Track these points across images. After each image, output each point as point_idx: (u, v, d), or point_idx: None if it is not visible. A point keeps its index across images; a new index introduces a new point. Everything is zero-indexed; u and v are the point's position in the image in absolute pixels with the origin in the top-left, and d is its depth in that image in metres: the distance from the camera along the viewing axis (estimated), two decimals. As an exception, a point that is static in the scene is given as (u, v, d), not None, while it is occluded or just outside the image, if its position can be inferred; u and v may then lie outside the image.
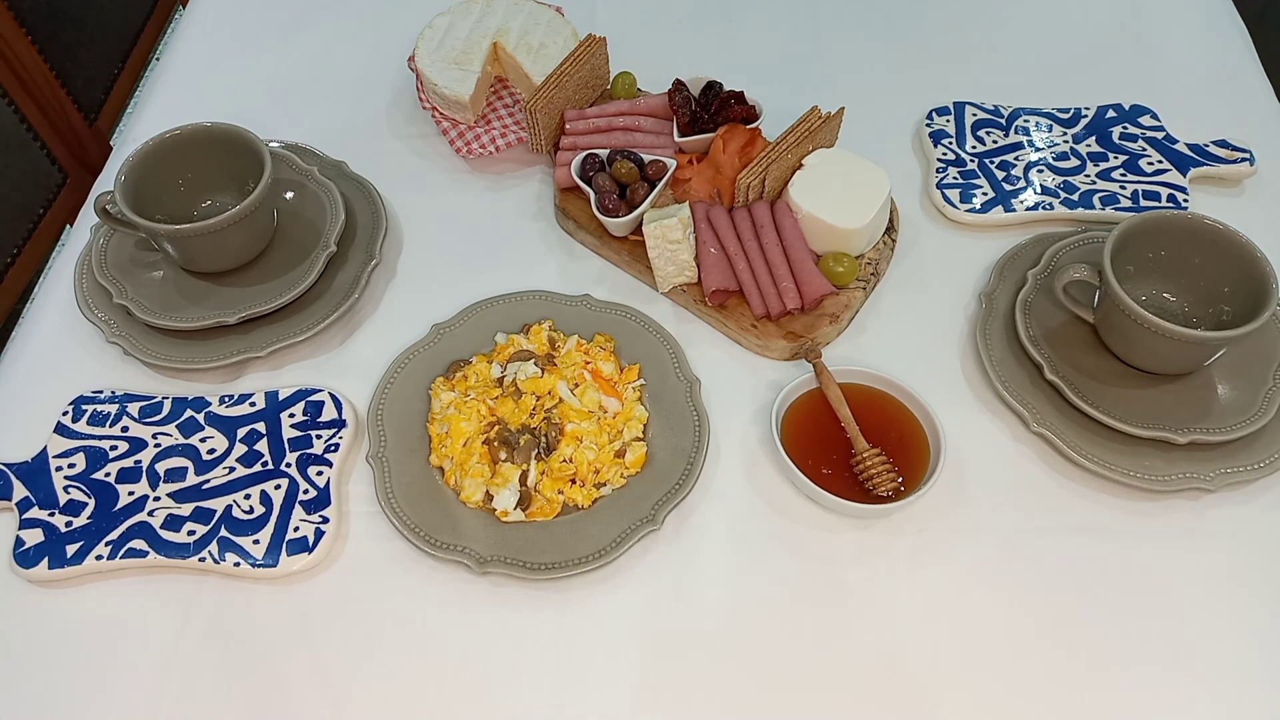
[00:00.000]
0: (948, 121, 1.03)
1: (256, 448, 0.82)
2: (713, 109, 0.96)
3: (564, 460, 0.80)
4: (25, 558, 0.77)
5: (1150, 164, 0.98)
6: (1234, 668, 0.73)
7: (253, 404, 0.85)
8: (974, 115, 1.03)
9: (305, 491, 0.80)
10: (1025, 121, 1.02)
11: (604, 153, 0.95)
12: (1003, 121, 1.02)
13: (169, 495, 0.80)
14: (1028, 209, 0.96)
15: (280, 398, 0.85)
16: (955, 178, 0.99)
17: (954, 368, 0.88)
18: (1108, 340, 0.84)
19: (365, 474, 0.82)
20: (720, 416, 0.84)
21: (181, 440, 0.83)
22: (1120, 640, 0.74)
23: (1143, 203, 0.95)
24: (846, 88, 1.07)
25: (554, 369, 0.85)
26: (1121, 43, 1.12)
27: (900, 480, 0.79)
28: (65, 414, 0.84)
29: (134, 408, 0.85)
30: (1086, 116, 1.02)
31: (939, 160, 1.00)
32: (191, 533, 0.78)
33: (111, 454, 0.82)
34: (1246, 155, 0.98)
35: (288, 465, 0.81)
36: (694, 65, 1.01)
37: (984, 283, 0.91)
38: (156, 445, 0.82)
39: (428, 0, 1.12)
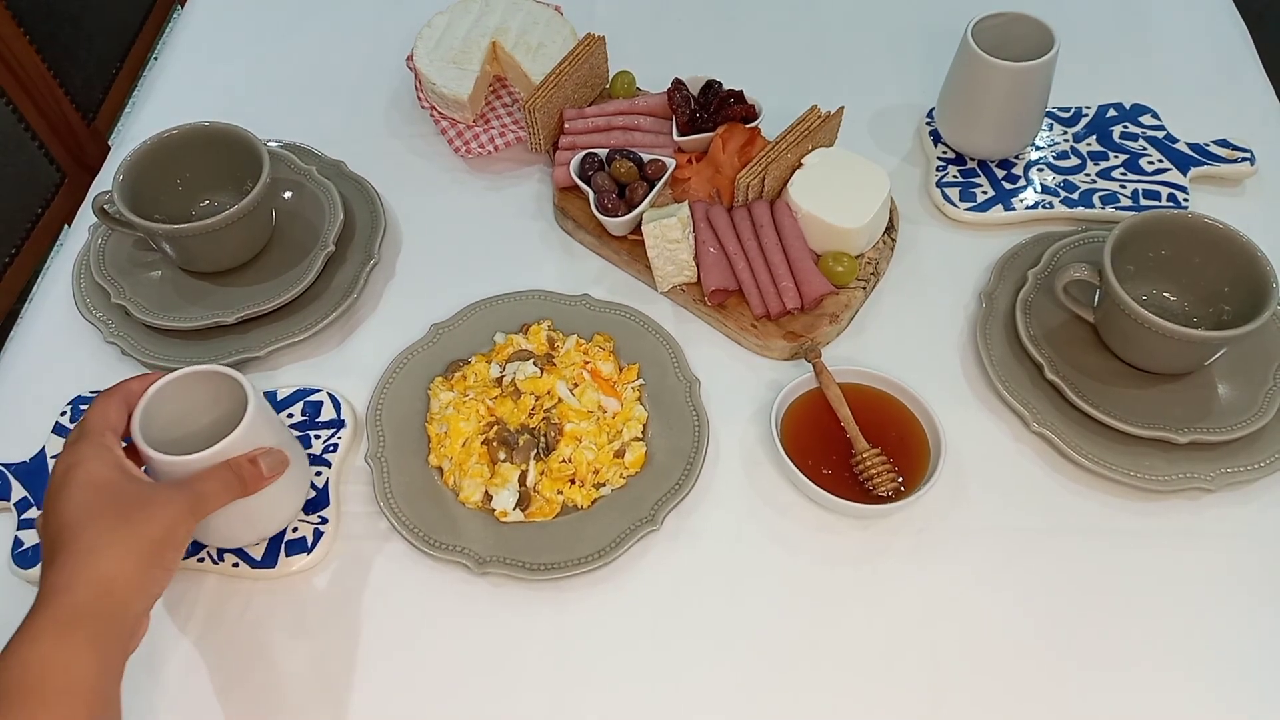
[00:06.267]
0: (947, 120, 1.03)
1: (255, 448, 0.82)
2: (712, 108, 0.96)
3: (563, 460, 0.80)
4: (24, 558, 0.77)
5: (1150, 163, 0.98)
6: (1234, 667, 0.72)
7: (251, 404, 0.84)
8: (974, 114, 1.03)
9: (304, 492, 0.80)
10: (1025, 120, 1.02)
11: (603, 152, 0.95)
12: (1002, 120, 1.02)
13: (167, 495, 0.79)
14: (1028, 208, 0.96)
15: (279, 398, 0.85)
16: (955, 176, 0.98)
17: (954, 367, 0.88)
18: (1108, 340, 0.84)
19: (364, 474, 0.82)
20: (720, 416, 0.84)
21: (180, 440, 0.83)
22: (1120, 640, 0.74)
23: (1143, 202, 0.95)
24: (846, 87, 1.06)
25: (553, 369, 0.85)
26: (1122, 42, 1.12)
27: (900, 480, 0.78)
28: (63, 414, 0.84)
29: (132, 408, 0.84)
30: (1087, 115, 1.02)
31: (939, 159, 1.00)
32: (190, 533, 0.78)
33: (109, 454, 0.82)
34: (1247, 155, 0.98)
35: (286, 465, 0.81)
36: (693, 64, 1.01)
37: (984, 282, 0.91)
38: (155, 445, 0.82)
39: (426, -1, 1.12)
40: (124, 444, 0.67)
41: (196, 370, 0.71)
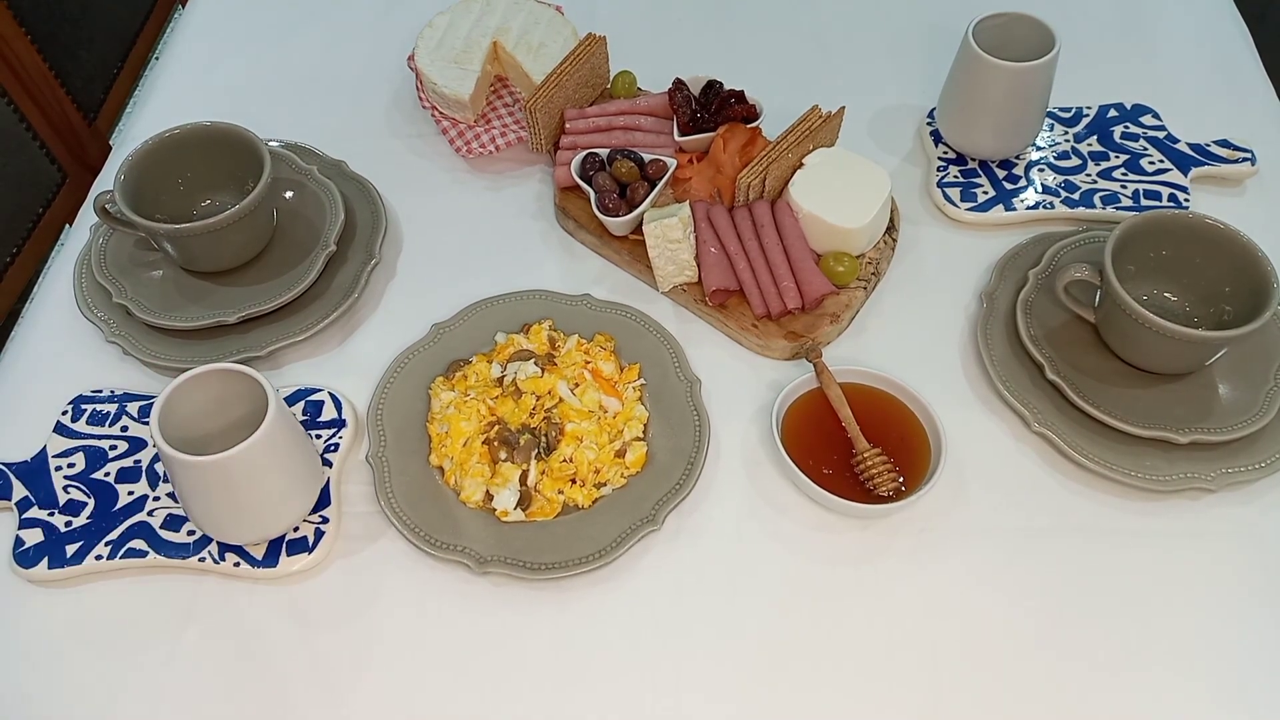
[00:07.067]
0: (948, 121, 1.03)
1: (256, 447, 0.82)
2: (713, 108, 0.96)
3: (564, 460, 0.80)
4: (25, 558, 0.77)
5: (1151, 163, 0.98)
6: (1234, 667, 0.72)
7: (252, 404, 0.84)
8: (975, 114, 1.03)
9: (305, 491, 0.80)
10: (1026, 121, 1.02)
11: (604, 152, 0.95)
12: (1003, 121, 1.02)
13: (168, 495, 0.79)
14: (1029, 208, 0.96)
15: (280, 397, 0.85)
16: (956, 176, 0.98)
17: (955, 367, 0.88)
18: (1109, 340, 0.84)
19: (365, 474, 0.82)
20: (721, 416, 0.84)
21: (181, 440, 0.83)
22: (1121, 640, 0.74)
23: (1144, 202, 0.95)
24: (847, 87, 1.06)
25: (554, 369, 0.85)
26: (1122, 42, 1.12)
27: (901, 480, 0.78)
28: (65, 413, 0.84)
29: (133, 407, 0.84)
30: (1088, 116, 1.02)
31: (940, 159, 1.00)
32: (191, 532, 0.78)
33: (111, 453, 0.82)
34: (1248, 155, 0.98)
35: (287, 465, 0.81)
36: (694, 64, 1.01)
37: (985, 282, 0.91)
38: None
39: (427, -1, 1.13)
40: None
41: (215, 369, 0.71)
